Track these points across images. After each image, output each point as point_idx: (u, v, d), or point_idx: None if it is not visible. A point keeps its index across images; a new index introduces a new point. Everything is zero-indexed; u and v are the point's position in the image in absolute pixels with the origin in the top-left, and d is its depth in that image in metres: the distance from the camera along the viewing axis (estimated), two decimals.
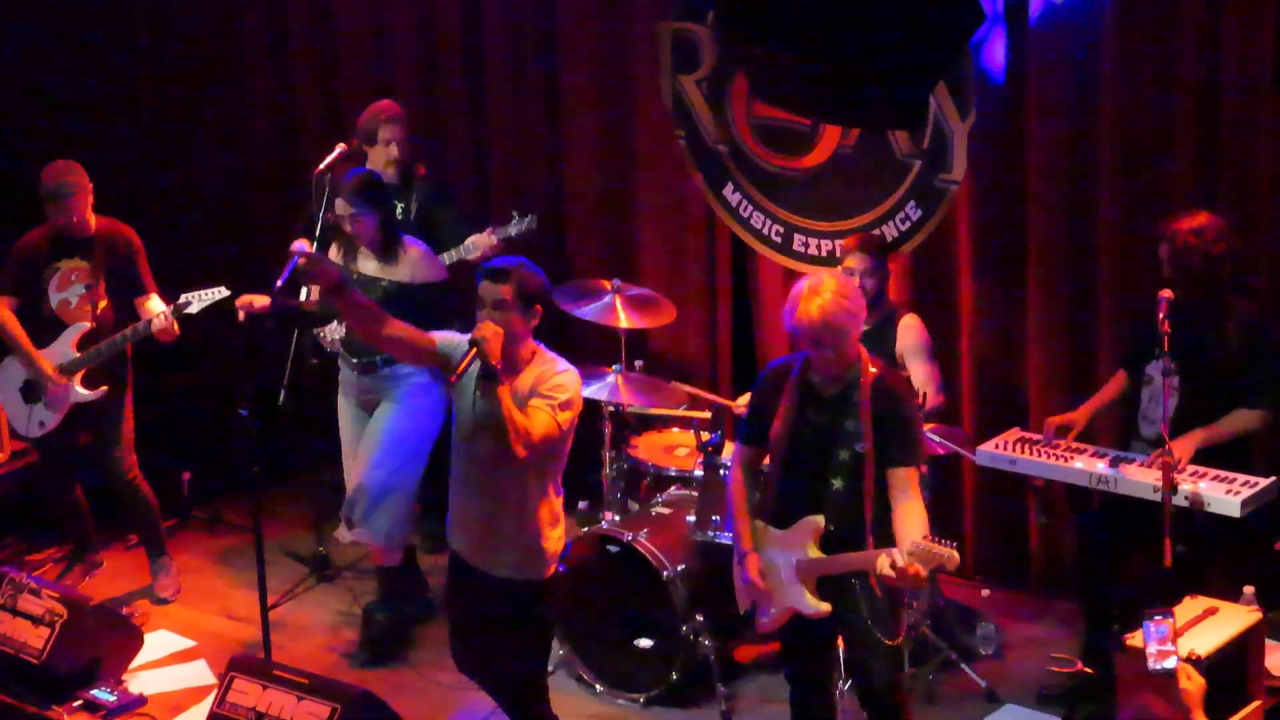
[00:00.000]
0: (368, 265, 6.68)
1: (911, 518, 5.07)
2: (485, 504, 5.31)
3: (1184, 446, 5.83)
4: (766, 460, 5.47)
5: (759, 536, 5.38)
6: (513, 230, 7.17)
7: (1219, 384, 5.97)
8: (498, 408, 5.06)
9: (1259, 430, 6.02)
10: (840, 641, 5.54)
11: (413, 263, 6.67)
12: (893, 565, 4.92)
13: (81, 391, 7.15)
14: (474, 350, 5.09)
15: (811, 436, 5.24)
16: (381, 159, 7.31)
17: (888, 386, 5.24)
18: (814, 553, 5.23)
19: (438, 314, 6.42)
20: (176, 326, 7.04)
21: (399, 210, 7.28)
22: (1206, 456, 5.91)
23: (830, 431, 5.21)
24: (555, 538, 5.37)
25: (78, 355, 7.11)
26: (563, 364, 5.31)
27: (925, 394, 6.31)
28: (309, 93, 8.75)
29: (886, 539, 5.09)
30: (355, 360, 6.76)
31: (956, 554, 4.88)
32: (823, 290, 5.12)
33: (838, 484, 5.20)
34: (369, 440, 6.73)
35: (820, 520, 5.21)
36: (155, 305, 7.16)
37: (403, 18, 8.41)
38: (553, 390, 5.20)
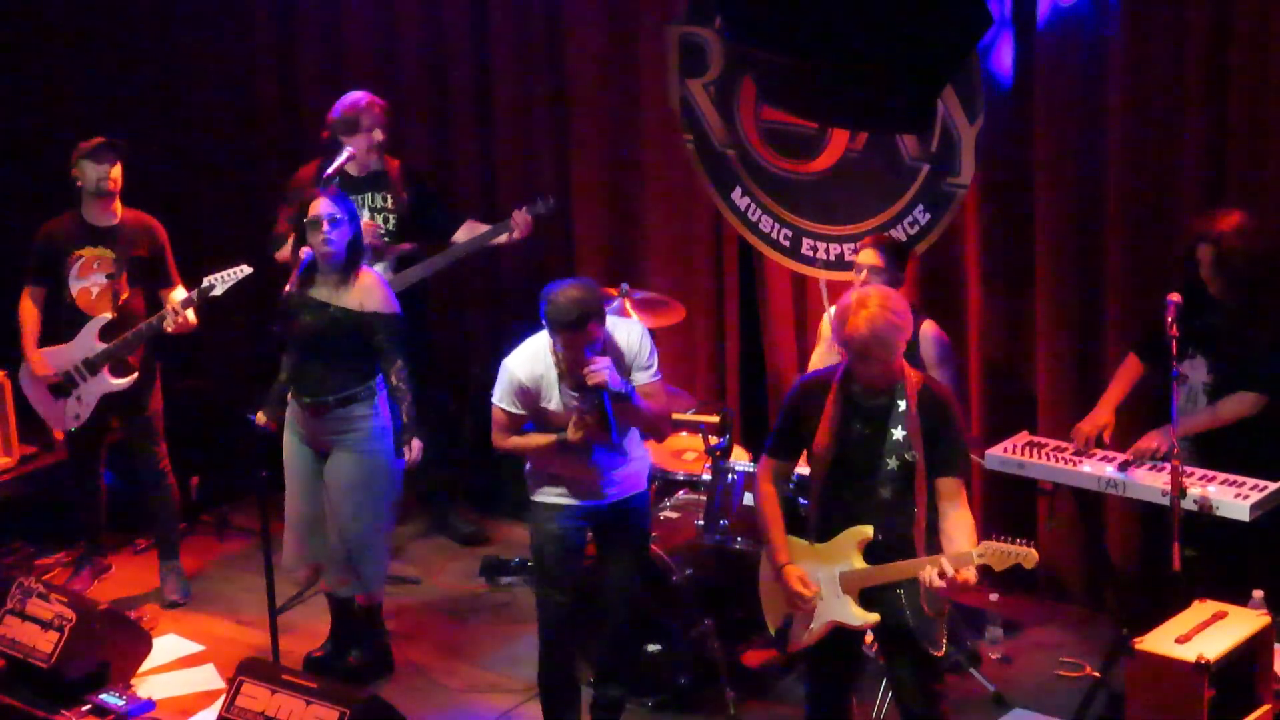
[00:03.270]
0: (321, 291, 6.32)
1: (962, 527, 5.10)
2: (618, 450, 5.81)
3: (1184, 429, 5.80)
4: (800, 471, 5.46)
5: (795, 552, 5.34)
6: (541, 208, 7.42)
7: None
8: (640, 415, 5.70)
9: (1254, 413, 5.96)
10: (875, 648, 5.52)
11: (364, 290, 6.28)
12: (941, 574, 4.93)
13: (112, 381, 7.15)
14: (612, 398, 5.55)
15: (858, 447, 5.19)
16: (364, 146, 7.38)
17: (934, 396, 5.21)
18: (859, 564, 5.21)
19: (389, 346, 6.31)
20: (194, 317, 7.04)
21: (388, 203, 7.31)
22: (1215, 461, 5.90)
23: (877, 441, 5.17)
24: None
25: (103, 347, 7.11)
26: (628, 328, 5.77)
27: None
28: (316, 94, 8.74)
29: (934, 548, 5.10)
30: (306, 400, 6.36)
31: (1035, 551, 4.90)
32: (869, 303, 5.09)
33: (886, 493, 5.17)
34: (336, 499, 6.41)
35: (869, 530, 5.18)
36: (179, 297, 7.16)
37: (410, 21, 8.40)
38: (648, 361, 5.74)
